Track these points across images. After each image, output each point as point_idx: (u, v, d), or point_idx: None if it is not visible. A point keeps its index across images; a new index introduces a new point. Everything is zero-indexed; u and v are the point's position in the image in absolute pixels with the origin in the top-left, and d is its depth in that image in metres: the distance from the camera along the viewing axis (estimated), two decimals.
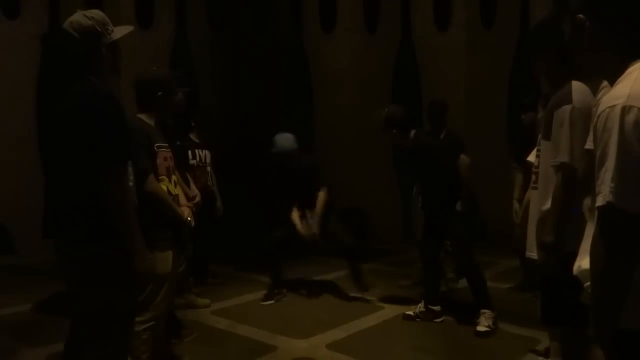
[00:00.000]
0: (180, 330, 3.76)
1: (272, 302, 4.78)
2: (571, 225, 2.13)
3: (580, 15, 1.31)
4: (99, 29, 2.18)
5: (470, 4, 7.44)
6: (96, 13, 2.22)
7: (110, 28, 2.23)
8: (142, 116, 2.84)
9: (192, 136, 5.03)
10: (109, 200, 2.03)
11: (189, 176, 3.74)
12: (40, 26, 6.87)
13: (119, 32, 2.27)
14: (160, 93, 2.85)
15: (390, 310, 4.58)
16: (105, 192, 2.02)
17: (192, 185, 3.63)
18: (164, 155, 2.82)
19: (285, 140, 4.87)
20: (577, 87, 2.29)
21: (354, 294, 4.91)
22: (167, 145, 2.89)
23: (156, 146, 2.78)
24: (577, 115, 2.23)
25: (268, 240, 4.86)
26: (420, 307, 4.30)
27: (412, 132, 4.18)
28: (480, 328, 3.91)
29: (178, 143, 3.05)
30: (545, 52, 2.40)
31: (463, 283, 5.12)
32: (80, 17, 2.17)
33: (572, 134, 2.23)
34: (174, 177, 2.90)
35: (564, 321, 2.34)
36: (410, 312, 4.33)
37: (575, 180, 2.19)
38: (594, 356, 1.23)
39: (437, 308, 4.27)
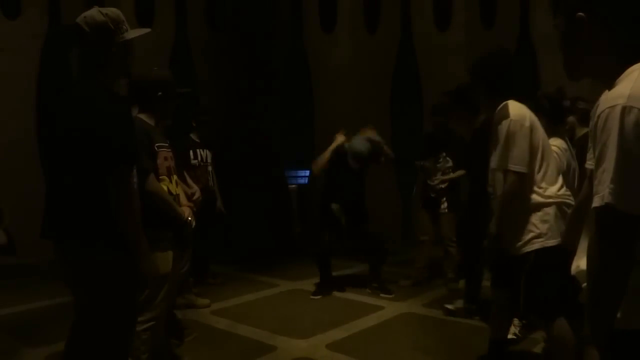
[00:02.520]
0: (180, 330, 3.76)
1: (320, 296, 4.97)
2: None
3: (581, 14, 1.30)
4: (112, 26, 2.13)
5: (470, 4, 7.44)
6: (112, 10, 2.16)
7: (124, 27, 2.18)
8: (143, 116, 2.84)
9: (193, 136, 5.04)
10: (115, 202, 2.01)
11: (186, 174, 3.74)
12: (40, 26, 6.89)
13: (134, 32, 2.22)
14: (160, 93, 2.85)
15: (390, 310, 4.58)
16: (111, 194, 2.00)
17: (191, 182, 3.63)
18: (164, 155, 2.82)
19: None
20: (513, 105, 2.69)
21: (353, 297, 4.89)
22: (167, 145, 2.89)
23: (157, 146, 2.78)
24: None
25: (320, 242, 5.00)
26: (460, 302, 4.33)
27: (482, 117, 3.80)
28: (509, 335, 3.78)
29: (169, 142, 3.04)
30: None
31: (462, 283, 5.12)
32: (95, 12, 2.13)
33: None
34: (174, 177, 2.90)
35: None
36: (451, 307, 4.36)
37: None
38: (589, 356, 1.23)
39: (474, 307, 4.30)
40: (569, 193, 2.79)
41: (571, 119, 3.44)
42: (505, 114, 2.62)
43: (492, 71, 2.77)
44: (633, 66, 1.23)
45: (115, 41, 2.14)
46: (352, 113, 7.59)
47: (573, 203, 2.77)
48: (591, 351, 1.24)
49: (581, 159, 2.76)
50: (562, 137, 3.16)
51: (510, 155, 2.60)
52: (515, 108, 2.65)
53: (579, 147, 3.19)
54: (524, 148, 2.60)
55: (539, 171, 2.68)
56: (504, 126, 2.61)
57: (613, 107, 1.17)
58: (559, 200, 2.71)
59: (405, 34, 7.84)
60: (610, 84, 1.25)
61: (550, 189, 2.70)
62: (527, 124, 2.62)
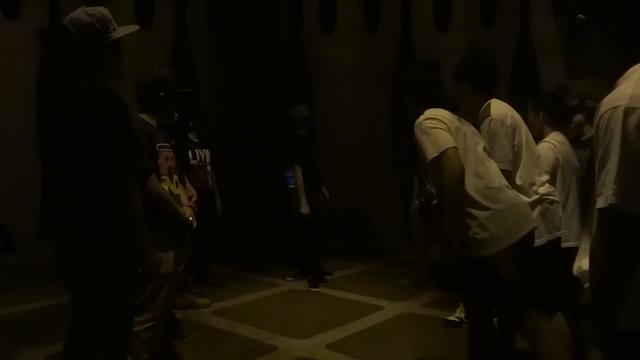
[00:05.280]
0: (180, 330, 3.76)
1: (318, 289, 5.20)
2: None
3: (581, 16, 1.30)
4: (98, 26, 2.11)
5: (470, 4, 7.43)
6: (98, 10, 2.14)
7: (111, 27, 2.15)
8: (144, 116, 2.84)
9: (191, 136, 5.03)
10: (118, 200, 2.00)
11: (184, 176, 3.73)
12: (40, 26, 6.88)
13: (122, 31, 2.19)
14: (162, 93, 2.85)
15: (390, 310, 4.58)
16: (114, 192, 2.00)
17: (188, 185, 3.63)
18: (165, 155, 2.82)
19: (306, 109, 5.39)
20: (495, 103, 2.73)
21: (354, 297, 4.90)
22: (168, 145, 2.89)
23: (158, 146, 2.78)
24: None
25: (306, 244, 5.29)
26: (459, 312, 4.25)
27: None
28: (450, 317, 4.16)
29: (172, 142, 3.04)
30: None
31: None
32: (80, 13, 2.11)
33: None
34: (175, 177, 2.90)
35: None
36: (454, 318, 4.18)
37: None
38: (592, 357, 1.23)
39: None
40: (552, 189, 2.80)
41: (579, 117, 3.44)
42: (487, 113, 2.68)
43: (476, 70, 2.81)
44: (634, 67, 1.23)
45: (102, 41, 2.12)
46: (352, 113, 7.60)
47: (557, 199, 2.78)
48: (593, 351, 1.24)
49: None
50: (564, 134, 3.18)
51: (493, 153, 2.63)
52: (497, 107, 2.71)
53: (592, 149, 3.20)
54: (505, 146, 2.64)
55: (520, 170, 2.70)
56: (485, 125, 2.68)
57: (615, 108, 1.17)
58: (542, 197, 2.72)
59: (405, 34, 7.84)
60: (612, 84, 1.25)
61: (533, 187, 2.71)
62: (509, 122, 2.67)
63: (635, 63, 1.23)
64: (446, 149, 2.36)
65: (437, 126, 2.44)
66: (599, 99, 1.25)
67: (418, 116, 2.56)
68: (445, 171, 2.36)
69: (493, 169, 2.55)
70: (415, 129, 2.52)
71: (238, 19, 7.75)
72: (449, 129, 2.45)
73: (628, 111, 1.15)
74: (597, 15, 1.28)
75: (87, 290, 2.10)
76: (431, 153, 2.40)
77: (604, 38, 1.29)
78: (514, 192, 2.57)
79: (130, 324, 2.28)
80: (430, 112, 2.53)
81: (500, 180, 2.53)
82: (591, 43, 1.30)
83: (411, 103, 2.77)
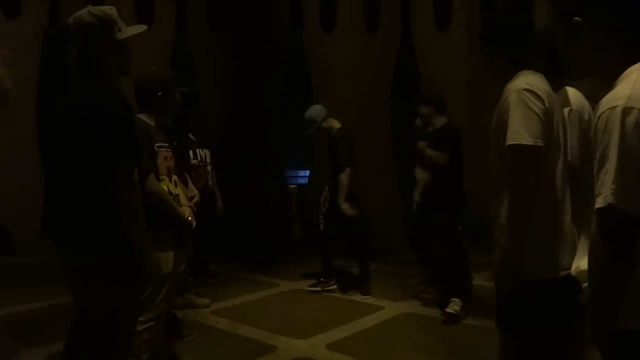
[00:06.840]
0: (180, 330, 3.76)
1: (318, 289, 5.18)
2: None
3: (577, 18, 1.30)
4: (102, 27, 2.09)
5: (470, 4, 7.44)
6: (102, 10, 2.12)
7: (117, 27, 2.13)
8: (142, 116, 2.84)
9: (191, 136, 5.04)
10: (118, 201, 2.00)
11: (187, 176, 3.74)
12: (40, 26, 6.90)
13: (128, 31, 2.18)
14: (160, 93, 2.85)
15: (390, 310, 4.58)
16: (115, 193, 2.00)
17: (191, 185, 3.63)
18: (164, 155, 2.82)
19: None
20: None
21: (354, 297, 4.92)
22: (167, 145, 2.89)
23: (156, 146, 2.78)
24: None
25: (321, 230, 5.25)
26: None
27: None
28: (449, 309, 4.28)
29: (175, 144, 3.04)
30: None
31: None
32: (84, 13, 2.10)
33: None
34: (174, 177, 2.90)
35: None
36: (452, 311, 4.26)
37: None
38: (591, 357, 1.23)
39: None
40: None
41: None
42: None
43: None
44: (632, 67, 1.23)
45: (105, 41, 2.11)
46: (352, 113, 7.59)
47: None
48: (593, 351, 1.24)
49: None
50: None
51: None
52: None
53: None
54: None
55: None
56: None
57: (613, 108, 1.18)
58: None
59: (405, 34, 7.85)
60: (610, 84, 1.26)
61: None
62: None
63: (633, 63, 1.24)
64: (528, 146, 1.86)
65: (534, 109, 1.91)
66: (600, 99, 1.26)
67: (505, 73, 2.07)
68: (515, 173, 1.90)
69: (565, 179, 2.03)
70: (510, 95, 1.96)
71: (238, 19, 7.76)
72: (545, 114, 1.92)
73: (626, 111, 1.15)
74: (592, 16, 1.29)
75: (89, 291, 2.10)
76: (512, 136, 1.90)
77: (600, 39, 1.29)
78: (570, 223, 1.99)
79: (132, 324, 2.28)
80: (532, 82, 1.96)
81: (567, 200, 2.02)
82: (588, 44, 1.31)
83: (498, 57, 2.15)
